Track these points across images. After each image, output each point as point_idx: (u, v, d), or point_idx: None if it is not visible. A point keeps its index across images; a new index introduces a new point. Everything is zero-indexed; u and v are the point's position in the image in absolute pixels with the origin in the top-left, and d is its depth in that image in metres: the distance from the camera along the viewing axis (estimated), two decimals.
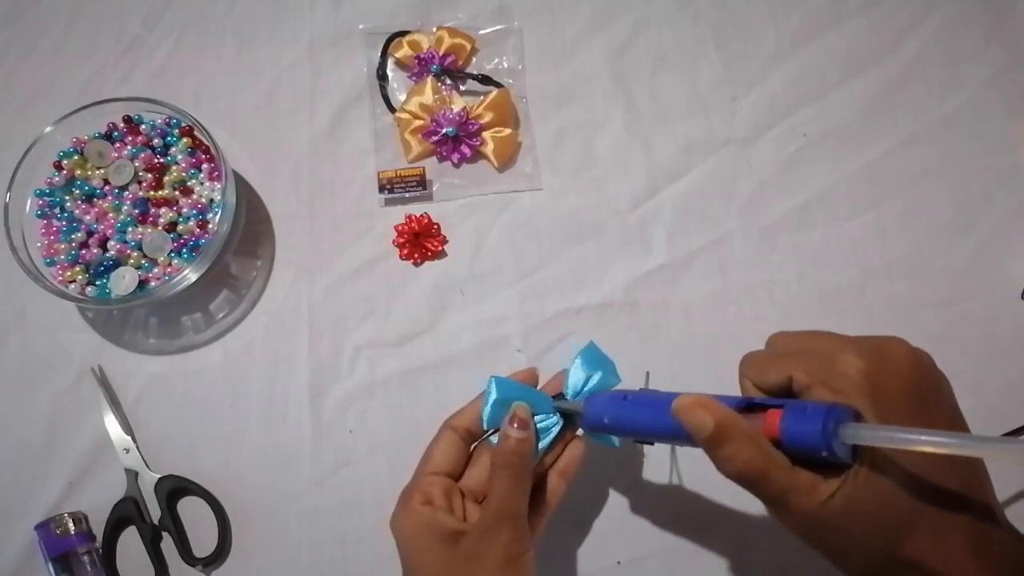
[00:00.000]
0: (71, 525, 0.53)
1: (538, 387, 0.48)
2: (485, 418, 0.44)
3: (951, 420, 0.33)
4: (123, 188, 0.58)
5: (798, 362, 0.34)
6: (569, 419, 0.46)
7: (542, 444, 0.44)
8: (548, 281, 0.60)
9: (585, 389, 0.46)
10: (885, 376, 0.32)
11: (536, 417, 0.44)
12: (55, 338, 0.59)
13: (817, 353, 0.34)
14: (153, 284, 0.56)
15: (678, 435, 0.36)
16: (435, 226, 0.60)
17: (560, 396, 0.46)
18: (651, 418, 0.39)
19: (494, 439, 0.44)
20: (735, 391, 0.37)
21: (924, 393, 0.33)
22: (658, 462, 0.55)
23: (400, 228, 0.60)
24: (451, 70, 0.63)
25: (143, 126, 0.60)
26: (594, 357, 0.47)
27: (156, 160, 0.58)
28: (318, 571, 0.54)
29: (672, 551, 0.53)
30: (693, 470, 0.55)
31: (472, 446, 0.47)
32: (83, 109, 0.58)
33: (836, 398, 0.32)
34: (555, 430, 0.45)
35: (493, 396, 0.44)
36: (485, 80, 0.63)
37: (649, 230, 0.61)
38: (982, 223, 0.60)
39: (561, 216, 0.61)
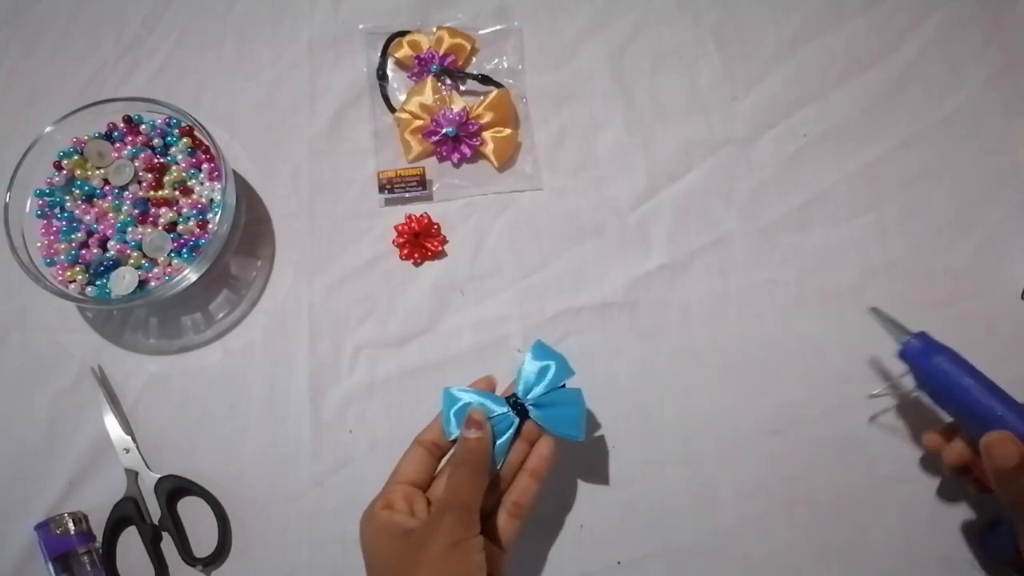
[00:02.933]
0: (71, 525, 0.53)
1: (495, 392, 0.50)
2: (446, 429, 0.48)
3: None
4: (123, 188, 0.58)
5: None
6: (524, 417, 0.48)
7: (500, 441, 0.47)
8: (548, 281, 0.60)
9: (543, 382, 0.48)
10: None
11: (492, 417, 0.47)
12: (55, 338, 0.59)
13: None
14: (153, 284, 0.56)
15: (980, 419, 0.45)
16: (435, 226, 0.60)
17: (513, 396, 0.48)
18: (982, 395, 0.46)
19: None
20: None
21: None
22: (658, 462, 0.55)
23: (400, 228, 0.60)
24: (451, 70, 0.63)
25: (143, 126, 0.60)
26: (544, 352, 0.49)
27: (156, 160, 0.58)
28: (318, 571, 0.54)
29: (672, 551, 0.53)
30: (696, 470, 0.55)
31: (441, 461, 0.49)
32: (83, 109, 0.58)
33: None
34: (511, 430, 0.47)
35: (454, 406, 0.48)
36: (485, 80, 0.63)
37: (649, 230, 0.61)
38: (982, 223, 0.60)
39: (561, 216, 0.61)
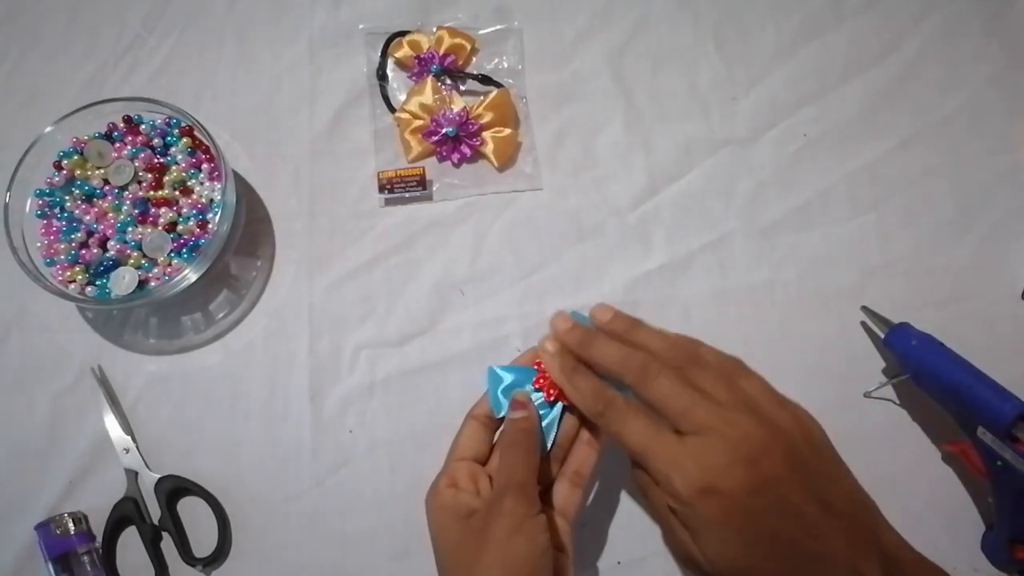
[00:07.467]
0: (71, 525, 0.53)
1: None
2: (493, 407, 0.47)
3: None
4: (123, 188, 0.58)
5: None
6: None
7: (552, 413, 0.46)
8: (548, 281, 0.60)
9: None
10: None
11: (535, 399, 0.46)
12: (55, 338, 0.59)
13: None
14: (153, 284, 0.56)
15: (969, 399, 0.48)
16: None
17: None
18: (955, 369, 0.50)
19: None
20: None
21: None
22: None
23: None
24: (451, 70, 0.63)
25: (143, 126, 0.60)
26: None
27: (156, 160, 0.58)
28: (318, 571, 0.54)
29: None
30: None
31: (496, 434, 0.48)
32: (83, 109, 0.58)
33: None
34: (555, 417, 0.47)
35: (500, 385, 0.47)
36: (485, 80, 0.63)
37: (649, 230, 0.61)
38: (982, 223, 0.60)
39: (561, 216, 0.61)
